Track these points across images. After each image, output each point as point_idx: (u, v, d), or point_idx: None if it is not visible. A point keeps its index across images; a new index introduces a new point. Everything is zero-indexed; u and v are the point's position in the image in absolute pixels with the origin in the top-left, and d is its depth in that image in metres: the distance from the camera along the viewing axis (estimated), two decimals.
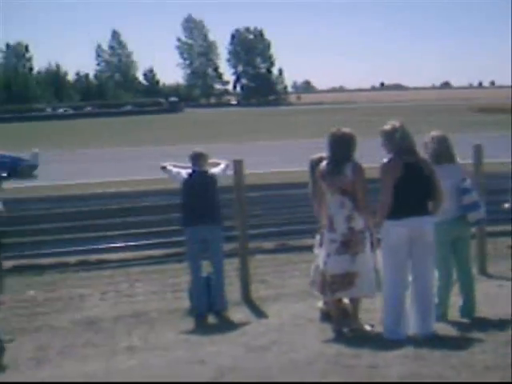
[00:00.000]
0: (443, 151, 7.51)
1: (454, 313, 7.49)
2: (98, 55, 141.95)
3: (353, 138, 7.09)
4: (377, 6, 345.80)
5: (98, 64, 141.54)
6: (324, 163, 7.07)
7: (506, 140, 32.85)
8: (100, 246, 11.81)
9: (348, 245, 6.94)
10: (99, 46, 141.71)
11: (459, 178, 7.54)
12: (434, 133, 7.65)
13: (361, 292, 7.08)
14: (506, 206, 10.79)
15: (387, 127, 6.91)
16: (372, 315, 7.35)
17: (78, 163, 33.68)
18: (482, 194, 9.22)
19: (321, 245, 7.24)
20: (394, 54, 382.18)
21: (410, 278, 6.90)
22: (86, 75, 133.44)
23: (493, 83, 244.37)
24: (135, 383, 5.97)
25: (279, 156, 32.86)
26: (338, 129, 7.11)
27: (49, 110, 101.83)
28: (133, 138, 49.49)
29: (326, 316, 7.50)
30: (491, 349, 6.18)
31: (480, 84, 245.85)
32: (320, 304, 7.67)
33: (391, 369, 5.74)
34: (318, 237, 7.48)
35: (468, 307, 7.54)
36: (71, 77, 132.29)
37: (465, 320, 7.38)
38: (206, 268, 8.79)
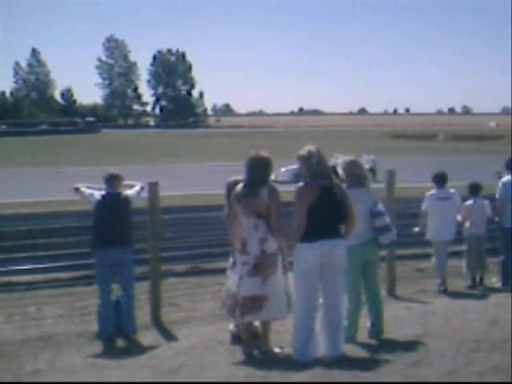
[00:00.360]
0: (355, 175, 7.61)
1: (362, 334, 7.58)
2: (16, 73, 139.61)
3: (270, 161, 7.12)
4: (298, 32, 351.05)
5: (16, 82, 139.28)
6: (240, 186, 7.08)
7: (418, 165, 33.68)
8: (8, 268, 11.53)
9: (259, 268, 6.93)
10: (17, 64, 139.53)
11: (371, 202, 7.65)
12: (347, 157, 7.75)
13: (269, 316, 7.07)
14: (416, 229, 11.06)
15: (303, 152, 6.97)
16: (282, 337, 7.36)
17: None
18: (393, 217, 9.41)
19: (233, 266, 7.22)
20: (313, 80, 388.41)
21: (321, 301, 6.95)
22: (2, 93, 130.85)
23: (407, 110, 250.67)
24: None
25: (195, 179, 32.76)
26: (257, 152, 7.13)
27: None
28: (46, 158, 48.57)
29: (236, 338, 7.48)
30: (398, 369, 6.24)
31: (395, 111, 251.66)
32: (231, 326, 7.64)
33: None
34: (230, 259, 7.46)
35: (376, 329, 7.63)
36: None
37: (373, 341, 7.46)
38: (116, 291, 8.66)
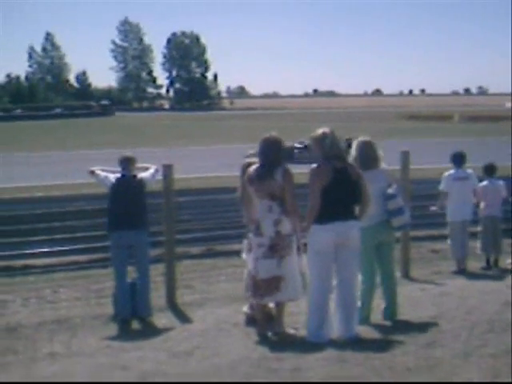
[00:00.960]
0: (369, 157, 7.59)
1: (376, 316, 7.59)
2: (31, 57, 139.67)
3: (282, 142, 7.13)
4: (312, 13, 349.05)
5: (30, 66, 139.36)
6: (253, 168, 7.08)
7: (433, 146, 33.55)
8: (23, 252, 11.59)
9: (275, 249, 6.95)
10: (32, 48, 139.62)
11: (385, 184, 7.63)
12: (361, 138, 7.73)
13: (286, 296, 7.09)
14: (433, 208, 11.03)
15: (317, 133, 6.96)
16: (296, 318, 7.38)
17: (4, 167, 32.97)
18: (407, 199, 9.39)
19: (249, 250, 7.23)
20: (328, 61, 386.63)
21: (335, 282, 6.96)
22: (17, 77, 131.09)
23: (423, 91, 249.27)
24: None
25: (210, 161, 32.81)
26: (271, 134, 7.13)
27: None
28: (62, 142, 48.73)
29: (251, 320, 7.51)
30: (412, 351, 6.25)
31: (410, 92, 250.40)
32: (245, 308, 7.68)
33: (314, 371, 5.76)
34: (245, 242, 7.48)
35: (390, 310, 7.64)
36: (1, 78, 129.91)
37: (387, 323, 7.48)
38: (132, 274, 8.70)
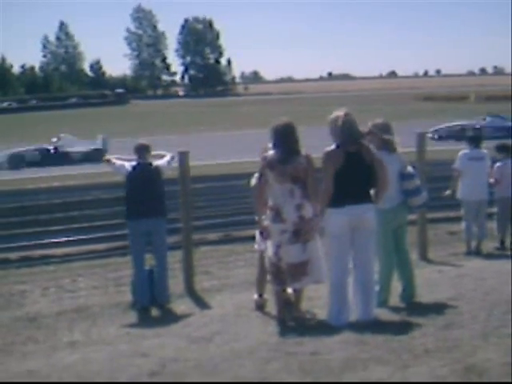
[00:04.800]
0: (385, 138, 7.56)
1: (394, 298, 7.59)
2: (45, 47, 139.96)
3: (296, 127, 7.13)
4: None
5: (44, 56, 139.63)
6: (272, 152, 7.03)
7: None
8: (43, 241, 11.69)
9: (299, 233, 6.93)
10: (46, 38, 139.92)
11: (400, 165, 7.61)
12: (377, 120, 7.70)
13: (312, 279, 7.07)
14: (447, 192, 11.00)
15: (333, 116, 6.94)
16: (314, 302, 7.40)
17: None
18: (424, 180, 9.37)
19: (266, 238, 7.20)
20: (342, 44, 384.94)
21: (351, 265, 6.96)
22: (32, 67, 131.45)
23: (438, 72, 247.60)
24: (76, 382, 5.89)
25: (225, 147, 32.83)
26: (283, 120, 7.10)
27: None
28: (78, 132, 48.86)
29: (260, 307, 7.63)
30: (431, 332, 6.26)
31: (426, 73, 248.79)
32: (255, 296, 7.73)
33: (333, 354, 5.76)
34: (257, 232, 7.48)
35: (408, 293, 7.64)
36: (16, 69, 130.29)
37: (405, 305, 7.47)
38: (150, 261, 8.74)
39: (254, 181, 7.51)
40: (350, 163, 6.76)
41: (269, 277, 7.32)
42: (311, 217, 6.96)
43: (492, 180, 11.05)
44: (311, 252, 6.99)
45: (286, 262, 6.99)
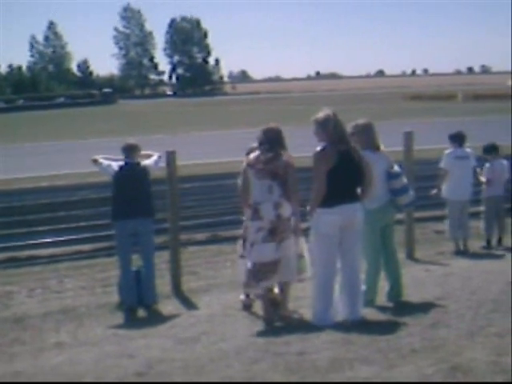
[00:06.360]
0: (369, 138, 7.58)
1: (381, 298, 7.61)
2: (32, 46, 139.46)
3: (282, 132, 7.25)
4: None
5: (32, 55, 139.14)
6: (255, 153, 7.13)
7: (437, 126, 33.38)
8: (30, 242, 11.64)
9: (275, 232, 6.98)
10: (33, 38, 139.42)
11: (387, 164, 7.62)
12: (359, 121, 7.70)
13: (282, 277, 7.13)
14: (433, 191, 11.04)
15: (320, 116, 6.94)
16: (301, 302, 7.42)
17: (9, 157, 32.98)
18: (411, 179, 9.40)
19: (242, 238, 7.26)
20: (330, 43, 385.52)
21: (339, 265, 6.96)
22: (19, 67, 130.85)
23: (426, 71, 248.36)
24: (63, 383, 5.88)
25: (214, 147, 32.73)
26: (271, 125, 7.25)
27: None
28: (66, 132, 48.72)
29: (247, 308, 7.65)
30: (417, 332, 6.27)
31: (413, 72, 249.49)
32: (242, 297, 7.74)
33: (320, 354, 5.77)
34: (240, 242, 7.50)
35: (395, 292, 7.66)
36: (3, 69, 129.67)
37: (392, 304, 7.49)
38: (137, 261, 8.72)
39: (239, 181, 7.53)
40: (342, 162, 6.77)
41: (248, 279, 7.29)
42: (289, 216, 6.99)
43: (483, 179, 11.12)
44: (284, 251, 7.03)
45: (256, 261, 7.01)
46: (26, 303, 9.04)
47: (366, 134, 7.56)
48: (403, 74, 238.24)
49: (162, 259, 9.32)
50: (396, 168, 7.75)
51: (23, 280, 10.04)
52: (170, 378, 5.49)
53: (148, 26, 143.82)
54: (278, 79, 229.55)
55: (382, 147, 7.68)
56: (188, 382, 5.41)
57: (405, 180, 7.77)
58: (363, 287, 7.31)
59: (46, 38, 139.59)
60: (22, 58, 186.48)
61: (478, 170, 11.15)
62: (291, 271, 7.10)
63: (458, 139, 10.91)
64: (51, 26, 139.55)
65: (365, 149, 7.28)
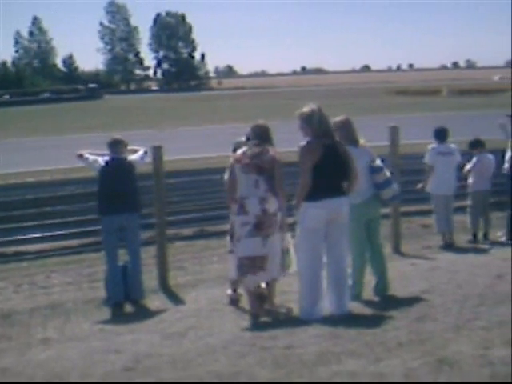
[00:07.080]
0: (349, 134, 7.59)
1: (367, 292, 7.64)
2: (17, 42, 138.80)
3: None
4: None
5: (17, 51, 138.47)
6: (243, 148, 7.16)
7: (422, 121, 33.46)
8: (16, 238, 11.59)
9: (260, 227, 6.99)
10: (18, 33, 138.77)
11: (369, 159, 7.65)
12: (336, 118, 7.66)
13: (269, 276, 7.15)
14: (419, 186, 11.08)
15: (305, 111, 6.95)
16: (288, 297, 7.44)
17: None
18: (397, 174, 9.45)
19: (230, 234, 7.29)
20: (315, 38, 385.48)
21: (325, 259, 6.99)
22: (4, 62, 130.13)
23: (411, 66, 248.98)
24: (50, 380, 5.87)
25: (200, 141, 32.69)
26: (260, 122, 7.34)
27: None
28: (51, 127, 48.50)
29: (234, 302, 7.67)
30: (403, 325, 6.30)
31: (398, 67, 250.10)
32: (229, 291, 7.76)
33: (306, 348, 5.79)
34: (228, 239, 7.52)
35: (381, 286, 7.70)
36: None
37: (378, 298, 7.53)
38: (124, 257, 8.71)
39: (226, 176, 7.53)
40: (327, 156, 6.78)
41: (239, 273, 7.31)
42: (274, 211, 7.01)
43: (468, 172, 11.19)
44: (271, 247, 7.05)
45: (242, 256, 7.03)
46: (12, 299, 9.03)
47: (346, 129, 7.57)
48: (389, 69, 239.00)
49: (148, 254, 9.31)
50: (378, 162, 7.78)
51: (10, 276, 10.02)
52: (158, 372, 5.49)
53: (133, 21, 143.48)
54: (263, 74, 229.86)
55: (363, 141, 7.70)
56: (176, 378, 5.41)
57: (388, 173, 7.80)
58: (350, 281, 7.34)
59: (31, 33, 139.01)
60: (7, 54, 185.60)
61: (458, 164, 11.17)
62: (277, 268, 7.13)
63: (441, 135, 10.95)
64: (36, 21, 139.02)
65: (347, 144, 7.30)
